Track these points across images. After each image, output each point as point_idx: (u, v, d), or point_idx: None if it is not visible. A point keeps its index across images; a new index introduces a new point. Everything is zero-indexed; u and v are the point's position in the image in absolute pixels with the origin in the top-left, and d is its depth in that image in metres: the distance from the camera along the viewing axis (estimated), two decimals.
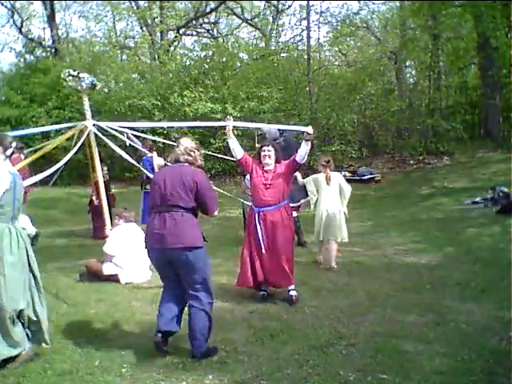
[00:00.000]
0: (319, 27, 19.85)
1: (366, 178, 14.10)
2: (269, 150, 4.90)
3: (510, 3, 11.94)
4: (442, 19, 15.35)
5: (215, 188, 4.88)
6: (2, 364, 3.46)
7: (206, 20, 23.48)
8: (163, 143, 12.58)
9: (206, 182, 3.66)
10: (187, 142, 3.75)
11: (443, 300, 4.70)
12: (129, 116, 15.63)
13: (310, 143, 4.85)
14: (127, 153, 7.07)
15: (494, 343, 3.68)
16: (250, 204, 5.47)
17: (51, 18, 21.45)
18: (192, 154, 3.69)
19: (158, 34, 20.09)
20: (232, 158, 5.39)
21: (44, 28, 24.05)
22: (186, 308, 3.75)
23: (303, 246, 7.20)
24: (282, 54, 19.06)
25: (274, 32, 22.21)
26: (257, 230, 4.80)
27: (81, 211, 11.74)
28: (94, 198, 8.30)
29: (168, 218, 3.53)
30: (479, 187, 10.96)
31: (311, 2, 17.91)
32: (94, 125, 6.00)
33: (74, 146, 6.08)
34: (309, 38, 17.48)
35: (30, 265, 3.63)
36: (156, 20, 20.34)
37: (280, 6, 22.92)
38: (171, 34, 21.08)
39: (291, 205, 5.41)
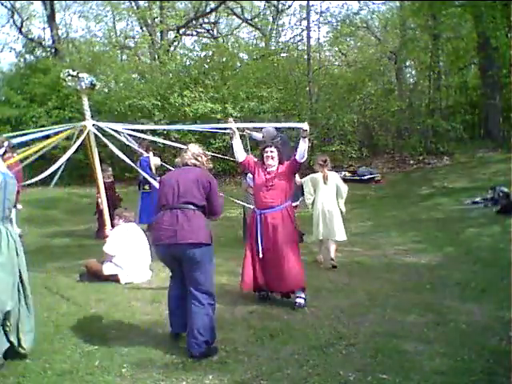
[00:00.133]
0: (319, 27, 19.86)
1: (365, 178, 14.09)
2: (271, 151, 4.82)
3: (510, 3, 11.94)
4: (442, 19, 15.34)
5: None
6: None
7: (206, 20, 23.47)
8: (163, 143, 12.59)
9: (216, 185, 3.85)
10: (195, 148, 3.94)
11: (443, 300, 4.70)
12: (129, 116, 15.64)
13: (307, 140, 4.74)
14: (126, 153, 7.07)
15: (493, 343, 3.68)
16: (251, 206, 5.46)
17: (51, 18, 21.45)
18: (199, 158, 3.88)
19: (158, 34, 20.08)
20: (231, 158, 5.39)
21: (44, 28, 24.12)
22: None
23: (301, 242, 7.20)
24: (282, 54, 19.04)
25: (274, 32, 22.20)
26: (255, 233, 4.73)
27: (81, 211, 11.77)
28: (99, 200, 8.16)
29: (180, 214, 3.64)
30: (479, 187, 10.96)
31: (311, 2, 17.92)
32: (93, 125, 5.99)
33: (74, 145, 6.07)
34: (309, 38, 17.48)
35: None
36: (156, 20, 20.33)
37: (280, 5, 22.91)
38: (171, 34, 21.07)
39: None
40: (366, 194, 12.56)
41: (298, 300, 4.70)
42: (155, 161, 8.47)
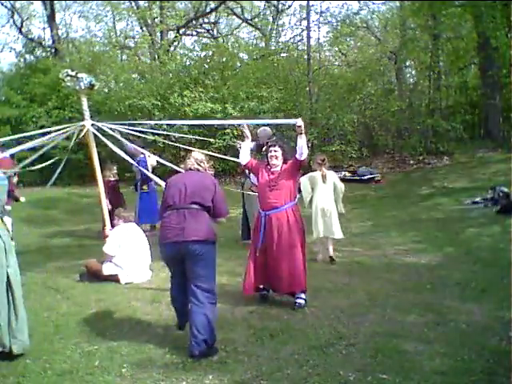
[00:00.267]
0: (319, 27, 19.86)
1: (365, 178, 14.10)
2: (275, 151, 4.77)
3: (510, 3, 11.94)
4: (442, 19, 15.33)
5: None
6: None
7: (206, 20, 23.49)
8: (163, 142, 12.60)
9: (220, 188, 4.04)
10: (198, 155, 4.16)
11: (443, 300, 4.70)
12: (129, 116, 15.63)
13: (304, 136, 4.63)
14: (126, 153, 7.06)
15: (494, 343, 3.68)
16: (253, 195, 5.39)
17: (51, 18, 21.44)
18: (202, 165, 4.07)
19: (158, 34, 20.09)
20: (231, 158, 5.39)
21: (44, 28, 24.13)
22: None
23: None
24: (282, 54, 19.04)
25: (274, 32, 22.20)
26: (259, 234, 4.70)
27: (81, 211, 11.78)
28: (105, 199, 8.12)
29: (187, 213, 3.79)
30: (479, 187, 10.96)
31: (311, 2, 17.91)
32: (92, 125, 5.98)
33: (75, 144, 6.07)
34: (309, 38, 17.47)
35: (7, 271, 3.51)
36: (156, 20, 20.33)
37: (280, 5, 22.92)
38: (171, 34, 21.08)
39: None
40: (366, 194, 12.57)
41: (298, 300, 4.68)
42: (152, 161, 8.49)
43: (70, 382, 3.33)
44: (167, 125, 11.73)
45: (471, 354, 3.50)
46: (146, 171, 7.50)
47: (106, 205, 6.20)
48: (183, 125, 13.98)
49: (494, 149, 14.92)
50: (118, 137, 6.56)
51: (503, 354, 3.46)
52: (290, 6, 22.91)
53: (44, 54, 21.75)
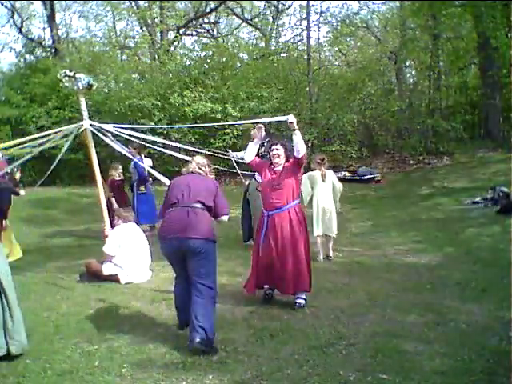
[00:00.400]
0: (319, 27, 19.90)
1: (365, 178, 14.10)
2: (277, 149, 4.70)
3: (510, 3, 11.95)
4: (442, 19, 15.33)
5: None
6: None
7: (206, 20, 23.49)
8: (163, 143, 12.58)
9: (220, 190, 4.23)
10: (200, 159, 4.29)
11: (443, 300, 4.70)
12: (129, 116, 15.64)
13: (298, 132, 4.49)
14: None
15: (494, 343, 3.67)
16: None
17: (51, 18, 21.43)
18: (203, 168, 4.20)
19: (158, 34, 20.09)
20: (230, 159, 5.38)
21: (44, 28, 24.13)
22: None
23: None
24: (282, 54, 19.06)
25: (274, 32, 22.20)
26: (262, 234, 4.68)
27: (81, 211, 11.78)
28: (111, 199, 8.09)
29: (190, 211, 3.90)
30: (479, 187, 10.96)
31: (311, 2, 17.93)
32: (90, 125, 5.97)
33: (75, 144, 6.07)
34: (309, 37, 17.49)
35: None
36: (156, 20, 20.33)
37: (280, 5, 22.92)
38: (171, 34, 21.08)
39: None
40: (366, 194, 12.57)
41: (298, 300, 4.67)
42: (148, 162, 8.51)
43: (70, 382, 3.33)
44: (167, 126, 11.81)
45: (471, 354, 3.50)
46: (148, 167, 7.50)
47: (105, 205, 6.18)
48: (181, 127, 14.01)
49: (494, 149, 14.92)
50: (110, 141, 6.46)
51: (503, 354, 3.45)
52: (290, 6, 22.96)
53: (44, 54, 21.74)
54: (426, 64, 17.11)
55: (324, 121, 16.18)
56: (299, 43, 20.15)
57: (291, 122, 4.47)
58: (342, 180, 6.98)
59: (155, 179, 6.85)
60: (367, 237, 7.95)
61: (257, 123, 5.19)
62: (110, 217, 6.20)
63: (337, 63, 21.25)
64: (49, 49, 22.22)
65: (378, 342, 3.76)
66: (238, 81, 16.56)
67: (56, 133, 6.08)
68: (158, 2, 20.43)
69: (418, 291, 5.02)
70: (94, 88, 6.00)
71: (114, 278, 5.74)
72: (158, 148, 7.55)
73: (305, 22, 18.72)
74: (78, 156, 15.29)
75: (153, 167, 8.35)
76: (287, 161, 4.72)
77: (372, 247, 7.24)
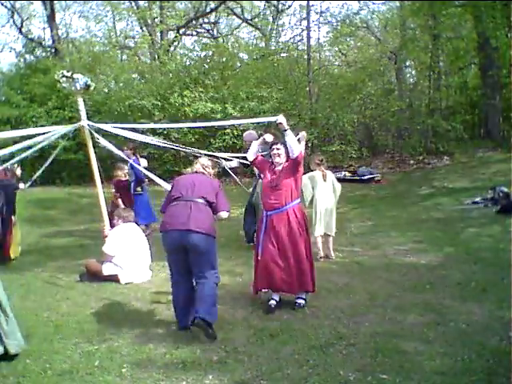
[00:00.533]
0: (319, 27, 19.93)
1: (365, 178, 14.08)
2: (278, 149, 4.66)
3: (510, 3, 11.94)
4: (441, 19, 15.32)
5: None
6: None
7: (206, 20, 23.49)
8: (159, 144, 12.57)
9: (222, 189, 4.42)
10: (205, 160, 4.51)
11: (443, 300, 4.70)
12: (129, 116, 15.64)
13: (289, 132, 4.47)
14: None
15: (493, 343, 3.67)
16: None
17: (51, 18, 21.43)
18: (207, 169, 4.41)
19: (158, 34, 20.08)
20: (231, 158, 5.38)
21: (44, 28, 24.12)
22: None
23: None
24: (282, 54, 19.05)
25: (274, 32, 22.21)
26: (261, 235, 4.66)
27: (81, 211, 11.78)
28: (118, 199, 8.06)
29: (193, 205, 4.06)
30: (479, 187, 10.95)
31: (311, 2, 17.92)
32: (88, 125, 5.96)
33: (75, 144, 6.07)
34: (309, 38, 17.48)
35: None
36: (156, 20, 20.34)
37: (280, 5, 22.92)
38: (171, 34, 21.08)
39: None
40: (366, 194, 12.55)
41: (298, 300, 4.67)
42: (144, 163, 8.51)
43: (70, 382, 3.33)
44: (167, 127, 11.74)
45: (471, 354, 3.50)
46: (145, 171, 7.49)
47: (104, 205, 6.17)
48: (180, 128, 13.99)
49: (494, 149, 14.91)
50: (103, 142, 6.43)
51: (503, 354, 3.45)
52: (290, 6, 22.96)
53: (44, 54, 21.74)
54: (426, 64, 17.10)
55: (324, 121, 16.17)
56: (299, 43, 20.18)
57: (280, 123, 4.48)
58: (342, 180, 7.00)
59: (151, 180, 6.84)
60: (367, 237, 7.94)
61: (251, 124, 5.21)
62: (110, 217, 6.20)
63: (337, 63, 21.28)
64: (49, 49, 22.22)
65: (377, 342, 3.76)
66: (238, 81, 16.56)
67: (49, 132, 6.05)
68: (157, 2, 20.44)
69: (418, 291, 5.01)
70: (92, 88, 6.00)
71: (113, 278, 5.74)
72: (157, 143, 7.56)
73: (305, 22, 18.76)
74: (78, 156, 15.30)
75: (148, 168, 8.34)
76: (288, 160, 4.70)
77: (372, 247, 7.24)
